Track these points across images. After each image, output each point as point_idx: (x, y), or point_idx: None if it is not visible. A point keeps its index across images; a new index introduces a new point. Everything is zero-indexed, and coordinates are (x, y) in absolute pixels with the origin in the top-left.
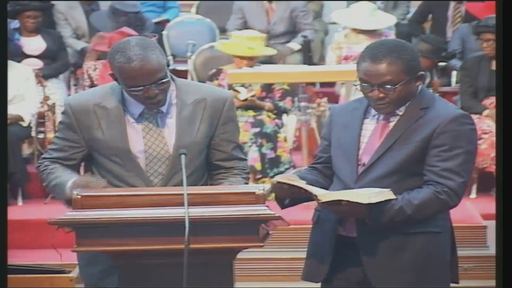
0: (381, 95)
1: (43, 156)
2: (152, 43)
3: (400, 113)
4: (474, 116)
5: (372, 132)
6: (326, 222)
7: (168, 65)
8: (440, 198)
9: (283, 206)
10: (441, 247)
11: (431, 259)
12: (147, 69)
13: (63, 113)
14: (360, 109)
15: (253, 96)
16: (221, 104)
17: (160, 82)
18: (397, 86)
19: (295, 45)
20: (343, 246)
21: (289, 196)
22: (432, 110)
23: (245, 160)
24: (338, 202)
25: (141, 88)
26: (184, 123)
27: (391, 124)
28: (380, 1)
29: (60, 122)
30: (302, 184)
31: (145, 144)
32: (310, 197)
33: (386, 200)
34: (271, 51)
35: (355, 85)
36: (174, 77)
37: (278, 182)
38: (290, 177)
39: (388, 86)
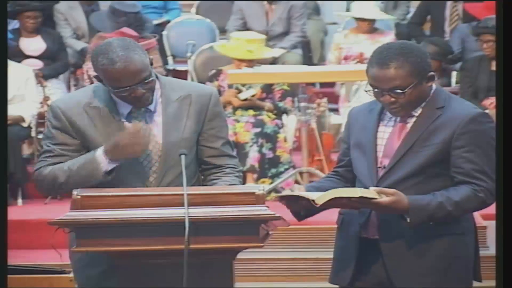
0: (392, 99)
1: (37, 166)
2: (133, 43)
3: (417, 114)
4: None
5: (390, 134)
6: (350, 225)
7: (151, 64)
8: (478, 196)
9: (299, 219)
10: (464, 248)
11: (455, 261)
12: (131, 69)
13: (53, 117)
14: (376, 110)
15: (253, 96)
16: (206, 100)
17: (145, 81)
18: (406, 90)
19: (278, 51)
20: (366, 248)
21: (300, 207)
22: (449, 109)
23: (235, 157)
24: (335, 200)
25: (127, 88)
26: (170, 119)
27: (409, 126)
28: (380, 1)
29: (53, 127)
30: (300, 192)
31: None
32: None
33: (372, 198)
34: (270, 53)
35: (367, 91)
36: (158, 75)
37: (281, 197)
38: (292, 189)
39: (398, 91)
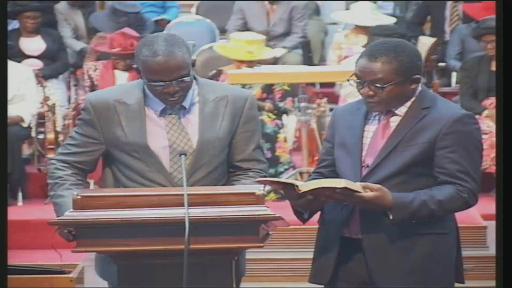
0: (371, 92)
1: (59, 151)
2: (181, 40)
3: (401, 114)
4: None
5: (374, 133)
6: (331, 224)
7: (194, 65)
8: (462, 196)
9: (304, 220)
10: (447, 248)
11: (438, 260)
12: (169, 64)
13: (83, 109)
14: (362, 110)
15: None
16: (242, 102)
17: (181, 79)
18: (385, 86)
19: (279, 50)
20: (348, 248)
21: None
22: (434, 110)
23: (265, 163)
24: (318, 190)
25: (161, 83)
26: (207, 119)
27: (393, 125)
28: (381, 1)
29: (80, 119)
30: (284, 179)
31: (169, 139)
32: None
33: (356, 191)
34: (271, 53)
35: (348, 80)
36: (196, 76)
37: (265, 181)
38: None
39: (377, 85)
